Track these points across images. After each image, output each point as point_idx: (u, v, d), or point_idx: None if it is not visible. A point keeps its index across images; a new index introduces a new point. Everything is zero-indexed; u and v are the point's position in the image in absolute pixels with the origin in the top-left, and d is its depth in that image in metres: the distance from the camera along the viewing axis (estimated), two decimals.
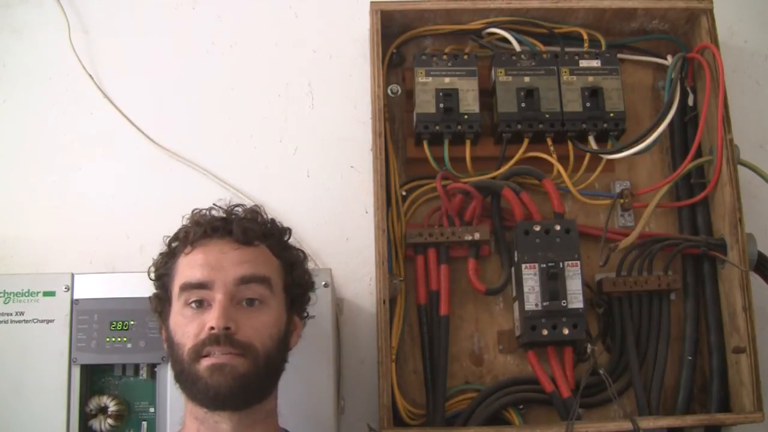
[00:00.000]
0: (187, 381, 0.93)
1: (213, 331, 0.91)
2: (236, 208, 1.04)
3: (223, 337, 0.91)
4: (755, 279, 1.32)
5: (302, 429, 1.09)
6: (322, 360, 1.13)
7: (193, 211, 1.04)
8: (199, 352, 0.92)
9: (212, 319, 0.92)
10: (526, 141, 1.35)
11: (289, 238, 1.07)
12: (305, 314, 1.08)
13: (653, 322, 1.31)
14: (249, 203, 1.07)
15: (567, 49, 1.39)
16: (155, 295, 1.02)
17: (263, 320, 0.96)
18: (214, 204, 1.05)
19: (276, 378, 0.99)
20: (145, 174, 1.43)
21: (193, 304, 0.95)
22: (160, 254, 1.03)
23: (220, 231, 0.99)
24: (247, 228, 1.00)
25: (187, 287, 0.95)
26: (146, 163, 1.43)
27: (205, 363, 0.91)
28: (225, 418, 0.94)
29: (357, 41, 1.47)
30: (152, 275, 1.03)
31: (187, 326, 0.94)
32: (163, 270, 1.01)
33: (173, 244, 1.02)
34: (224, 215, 1.03)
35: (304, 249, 1.35)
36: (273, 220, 1.06)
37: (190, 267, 0.97)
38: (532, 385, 1.29)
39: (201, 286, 0.95)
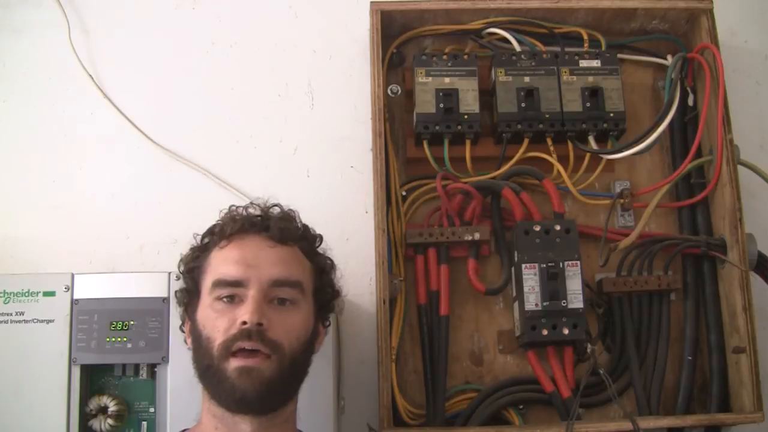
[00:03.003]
0: (213, 378, 0.92)
1: (245, 326, 0.91)
2: (273, 208, 1.05)
3: (255, 333, 0.91)
4: (755, 279, 1.32)
5: (302, 429, 1.09)
6: (322, 360, 1.13)
7: (230, 207, 1.05)
8: (229, 348, 0.91)
9: (245, 313, 0.92)
10: (526, 141, 1.34)
11: (320, 245, 1.08)
12: (327, 323, 1.08)
13: (653, 322, 1.31)
14: (285, 206, 1.08)
15: (567, 49, 1.39)
16: (183, 289, 1.02)
17: (293, 320, 0.96)
18: (251, 202, 1.05)
19: (299, 382, 0.99)
20: (145, 174, 1.43)
21: (225, 299, 0.95)
22: (191, 249, 1.03)
23: (257, 227, 1.00)
24: (283, 227, 1.00)
25: (221, 284, 0.95)
26: (146, 163, 1.43)
27: (234, 364, 0.91)
28: (245, 420, 0.94)
29: (357, 41, 1.47)
30: (181, 268, 1.03)
31: (218, 320, 0.93)
32: (194, 263, 1.01)
33: (205, 240, 1.03)
34: (261, 213, 1.04)
35: None
36: (306, 226, 1.07)
37: (225, 262, 0.97)
38: (532, 385, 1.29)
39: (235, 283, 0.95)
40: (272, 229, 0.99)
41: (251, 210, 1.04)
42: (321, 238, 1.08)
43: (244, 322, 0.91)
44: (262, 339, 0.92)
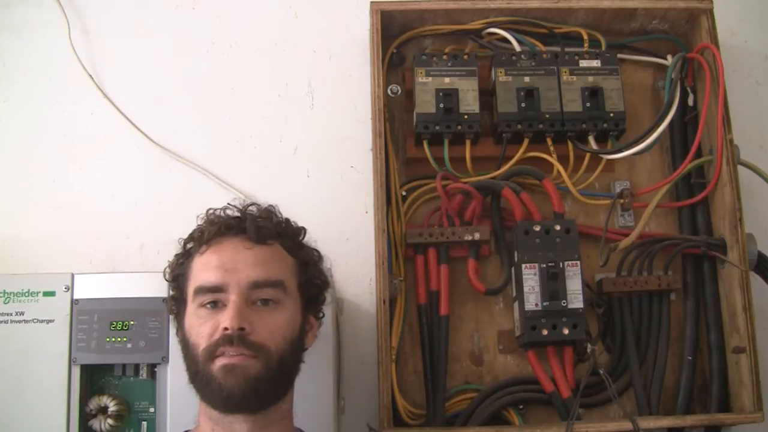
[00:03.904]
0: (201, 382, 0.93)
1: (227, 332, 0.91)
2: (250, 207, 1.04)
3: (237, 338, 0.91)
4: (755, 279, 1.32)
5: (302, 427, 1.09)
6: (322, 360, 1.13)
7: (207, 210, 1.04)
8: (212, 353, 0.92)
9: (226, 319, 0.92)
10: (526, 141, 1.35)
11: (303, 237, 1.07)
12: (321, 314, 1.07)
13: (653, 322, 1.31)
14: (263, 203, 1.07)
15: (567, 49, 1.39)
16: (171, 297, 1.02)
17: (277, 321, 0.96)
18: (228, 203, 1.04)
19: (290, 379, 0.99)
20: (145, 174, 1.43)
21: (208, 305, 0.95)
22: (176, 255, 1.03)
23: (234, 229, 0.99)
24: (260, 226, 1.00)
25: (202, 290, 0.95)
26: (146, 163, 1.43)
27: (218, 363, 0.91)
28: (240, 420, 0.94)
29: (357, 41, 1.47)
30: (168, 277, 1.03)
31: (202, 327, 0.94)
32: (179, 271, 1.01)
33: (188, 245, 1.02)
34: (238, 214, 1.03)
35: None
36: (287, 220, 1.06)
37: (204, 269, 0.97)
38: (532, 385, 1.29)
39: (215, 289, 0.95)
40: (249, 229, 0.99)
41: (229, 211, 1.03)
42: (304, 230, 1.07)
43: (226, 328, 0.92)
44: (245, 343, 0.92)
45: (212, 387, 0.91)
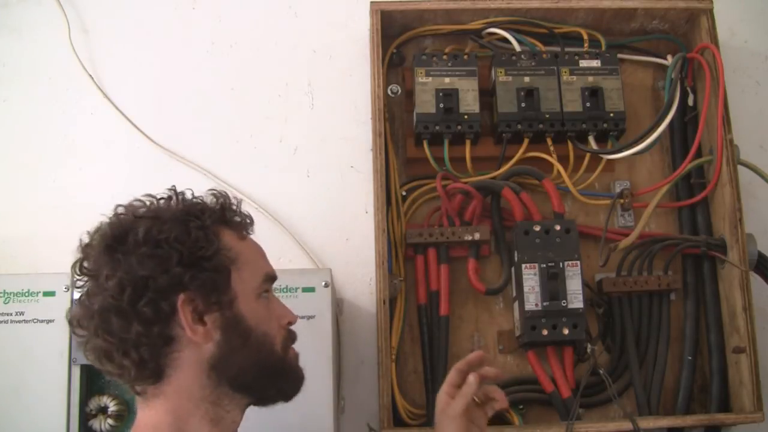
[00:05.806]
0: (277, 372, 0.90)
1: (291, 325, 0.94)
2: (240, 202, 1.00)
3: None
4: (755, 279, 1.32)
5: (302, 429, 1.09)
6: (322, 360, 1.13)
7: (215, 192, 0.94)
8: (288, 344, 0.93)
9: (291, 314, 0.95)
10: (526, 141, 1.35)
11: None
12: None
13: (653, 322, 1.31)
14: (251, 204, 1.05)
15: (567, 49, 1.39)
16: (208, 276, 0.85)
17: None
18: (220, 192, 0.95)
19: None
20: (145, 174, 1.43)
21: (265, 295, 0.93)
22: (200, 227, 0.87)
23: (251, 225, 0.98)
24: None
25: (269, 279, 0.93)
26: (146, 163, 1.43)
27: (293, 353, 0.94)
28: (242, 410, 0.91)
29: (357, 41, 1.47)
30: (208, 251, 0.85)
31: (271, 317, 0.91)
32: (215, 249, 0.86)
33: (210, 221, 0.89)
34: (234, 204, 0.96)
35: (304, 249, 1.37)
36: None
37: (260, 256, 0.94)
38: (532, 385, 1.29)
39: (274, 280, 0.96)
40: (253, 226, 0.97)
41: (225, 200, 0.94)
42: None
43: (290, 322, 0.94)
44: None
45: (296, 376, 0.94)
